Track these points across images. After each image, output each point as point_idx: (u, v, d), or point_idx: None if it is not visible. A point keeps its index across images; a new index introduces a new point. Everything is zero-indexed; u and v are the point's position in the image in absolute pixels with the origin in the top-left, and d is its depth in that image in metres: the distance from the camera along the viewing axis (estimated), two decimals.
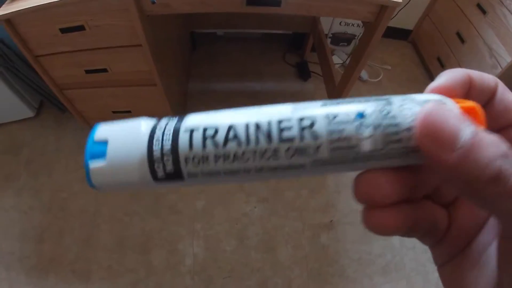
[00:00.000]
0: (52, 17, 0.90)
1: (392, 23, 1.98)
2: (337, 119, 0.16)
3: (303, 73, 1.91)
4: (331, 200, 1.43)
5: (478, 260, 0.17)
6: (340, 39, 1.95)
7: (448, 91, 0.16)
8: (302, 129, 0.16)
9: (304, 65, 1.94)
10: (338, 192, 1.45)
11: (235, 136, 0.16)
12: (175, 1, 0.90)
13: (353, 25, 1.84)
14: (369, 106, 0.16)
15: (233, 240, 1.30)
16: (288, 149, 0.15)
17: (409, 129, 0.15)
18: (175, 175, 0.16)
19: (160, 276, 1.22)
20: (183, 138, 0.16)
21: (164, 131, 0.16)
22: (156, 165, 0.16)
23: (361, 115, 0.15)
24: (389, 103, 0.16)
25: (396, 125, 0.15)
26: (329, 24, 1.87)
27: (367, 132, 0.15)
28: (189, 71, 1.86)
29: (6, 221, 1.32)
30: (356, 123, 0.15)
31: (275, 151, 0.16)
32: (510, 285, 0.14)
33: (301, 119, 0.16)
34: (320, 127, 0.15)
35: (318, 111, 0.16)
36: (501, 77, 1.48)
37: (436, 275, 1.26)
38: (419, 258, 1.32)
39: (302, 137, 0.15)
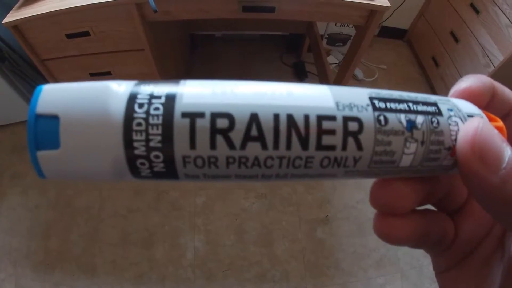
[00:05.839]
0: (58, 23, 0.94)
1: (387, 23, 2.03)
2: (388, 126, 0.13)
3: (300, 73, 1.95)
4: (327, 196, 1.47)
5: (480, 268, 0.17)
6: (336, 40, 1.98)
7: (477, 96, 0.16)
8: (347, 134, 0.12)
9: (300, 65, 1.98)
10: (333, 188, 1.49)
11: (260, 135, 0.12)
12: (175, 9, 0.94)
13: (348, 26, 1.87)
14: (420, 112, 0.14)
15: (232, 235, 1.34)
16: (324, 158, 0.12)
17: (449, 148, 0.14)
18: (167, 175, 0.12)
19: (163, 269, 1.26)
20: (181, 128, 0.11)
21: (148, 110, 0.11)
22: (138, 163, 0.12)
23: (412, 125, 0.13)
24: (439, 111, 0.14)
25: (440, 142, 0.14)
26: (325, 25, 1.90)
27: (412, 147, 0.13)
28: (189, 72, 1.90)
29: (14, 218, 1.36)
30: (406, 135, 0.13)
31: (309, 160, 0.12)
32: None
33: (347, 120, 0.12)
34: (368, 134, 0.13)
35: (365, 110, 0.13)
36: (494, 76, 1.50)
37: (430, 269, 1.30)
38: (413, 252, 1.34)
39: (344, 146, 0.12)
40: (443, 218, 0.18)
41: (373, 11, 0.96)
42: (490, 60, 1.52)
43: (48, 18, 0.92)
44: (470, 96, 0.16)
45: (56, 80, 1.13)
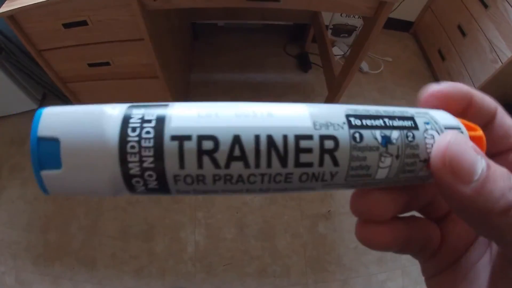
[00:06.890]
0: (55, 13, 0.91)
1: (394, 15, 1.99)
2: (363, 143, 0.14)
3: (304, 64, 1.92)
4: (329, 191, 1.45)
5: (467, 274, 0.17)
6: (341, 31, 1.94)
7: (448, 100, 0.16)
8: (323, 152, 0.13)
9: (304, 56, 1.94)
10: None
11: (242, 155, 0.13)
12: None
13: (354, 16, 1.83)
14: (395, 127, 0.14)
15: (233, 229, 1.33)
16: (303, 174, 0.13)
17: (425, 160, 0.14)
18: (160, 191, 0.13)
19: (163, 263, 1.25)
20: (170, 150, 0.12)
21: (141, 134, 0.12)
22: (134, 181, 0.13)
23: (387, 140, 0.14)
24: (415, 125, 0.15)
25: (415, 156, 0.14)
26: (330, 15, 1.86)
27: (387, 161, 0.14)
28: (190, 62, 1.86)
29: (13, 211, 1.35)
30: (381, 150, 0.14)
31: (288, 176, 0.13)
32: None
33: (324, 138, 0.13)
34: (343, 152, 0.13)
35: (341, 128, 0.14)
36: (501, 72, 1.48)
37: None
38: None
39: (321, 163, 0.13)
40: (428, 224, 0.18)
41: (382, 2, 0.92)
42: (497, 55, 1.49)
43: (45, 8, 0.89)
44: (441, 100, 0.16)
45: (53, 70, 1.11)
